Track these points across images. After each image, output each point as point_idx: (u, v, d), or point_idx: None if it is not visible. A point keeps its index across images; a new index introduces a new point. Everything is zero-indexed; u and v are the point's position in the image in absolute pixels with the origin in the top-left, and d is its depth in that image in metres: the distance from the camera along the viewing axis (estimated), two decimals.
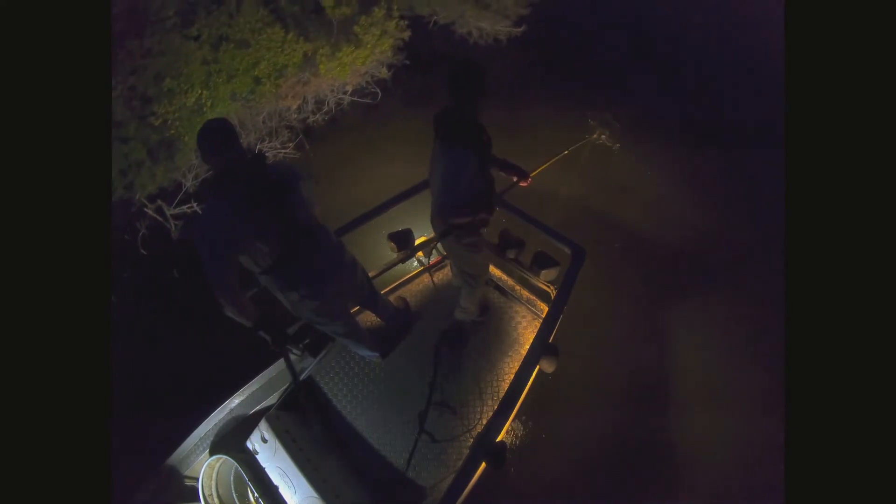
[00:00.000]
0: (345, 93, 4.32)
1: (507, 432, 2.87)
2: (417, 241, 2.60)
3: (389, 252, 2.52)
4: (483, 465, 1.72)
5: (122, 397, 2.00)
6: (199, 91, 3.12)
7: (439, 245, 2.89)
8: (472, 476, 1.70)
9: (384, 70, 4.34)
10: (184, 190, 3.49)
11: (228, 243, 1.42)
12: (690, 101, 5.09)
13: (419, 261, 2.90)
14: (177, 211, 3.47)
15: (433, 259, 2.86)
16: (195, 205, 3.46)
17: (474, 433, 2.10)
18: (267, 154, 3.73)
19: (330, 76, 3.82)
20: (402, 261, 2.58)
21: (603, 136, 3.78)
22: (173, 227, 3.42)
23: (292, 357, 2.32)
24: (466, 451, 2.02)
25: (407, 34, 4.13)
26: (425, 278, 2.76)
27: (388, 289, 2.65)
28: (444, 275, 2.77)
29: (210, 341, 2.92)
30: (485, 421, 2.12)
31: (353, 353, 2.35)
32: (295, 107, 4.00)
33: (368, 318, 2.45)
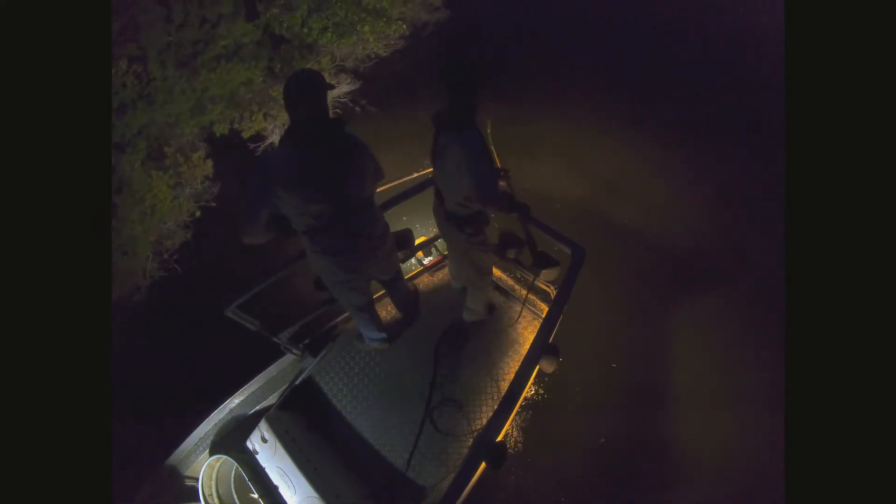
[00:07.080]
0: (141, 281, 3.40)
1: (506, 432, 2.87)
2: (417, 241, 2.59)
3: None
4: (483, 465, 1.72)
5: (122, 398, 2.00)
6: None
7: (439, 245, 2.90)
8: (472, 476, 1.70)
9: (186, 232, 3.54)
10: None
11: (268, 185, 1.46)
12: (685, 102, 5.08)
13: (419, 261, 2.90)
14: None
15: (433, 259, 2.86)
16: None
17: (474, 433, 2.10)
18: None
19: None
20: (402, 261, 2.58)
21: None
22: None
23: (291, 355, 2.34)
24: (466, 451, 2.02)
25: (207, 167, 3.48)
26: (425, 278, 2.75)
27: None
28: (443, 275, 2.76)
29: (210, 342, 2.92)
30: (485, 421, 2.12)
31: (353, 353, 2.35)
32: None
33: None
